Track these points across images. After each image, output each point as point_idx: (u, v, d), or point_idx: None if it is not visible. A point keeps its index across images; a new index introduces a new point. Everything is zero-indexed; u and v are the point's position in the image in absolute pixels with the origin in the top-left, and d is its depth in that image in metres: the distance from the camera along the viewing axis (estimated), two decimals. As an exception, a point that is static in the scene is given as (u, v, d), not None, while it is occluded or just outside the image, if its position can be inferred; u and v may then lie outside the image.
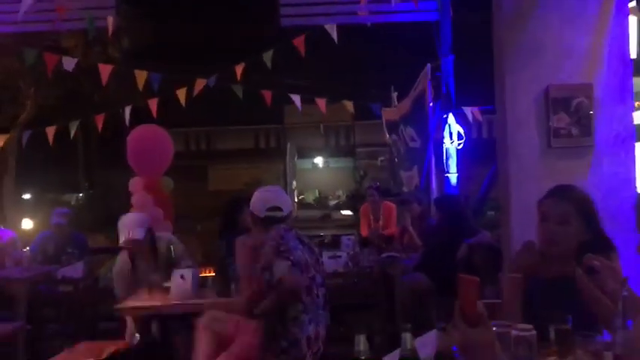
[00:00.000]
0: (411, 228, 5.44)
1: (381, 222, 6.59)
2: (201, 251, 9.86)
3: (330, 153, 29.12)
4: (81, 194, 25.52)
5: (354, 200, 26.89)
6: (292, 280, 2.84)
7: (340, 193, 27.89)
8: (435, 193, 6.31)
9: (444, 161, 6.15)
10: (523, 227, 4.21)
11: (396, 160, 8.57)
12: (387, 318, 4.61)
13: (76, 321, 5.13)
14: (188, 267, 3.95)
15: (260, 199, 3.27)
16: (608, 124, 4.23)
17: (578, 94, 4.21)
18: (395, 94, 8.51)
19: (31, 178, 21.98)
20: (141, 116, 7.67)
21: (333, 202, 27.45)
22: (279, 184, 27.50)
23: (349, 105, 7.73)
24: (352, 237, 5.57)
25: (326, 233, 10.12)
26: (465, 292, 1.60)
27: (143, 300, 3.54)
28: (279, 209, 3.19)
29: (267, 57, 6.48)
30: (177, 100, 7.14)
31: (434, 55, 6.47)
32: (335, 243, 5.91)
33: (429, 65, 6.39)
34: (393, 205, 6.63)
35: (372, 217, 6.72)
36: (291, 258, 2.89)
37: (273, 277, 2.83)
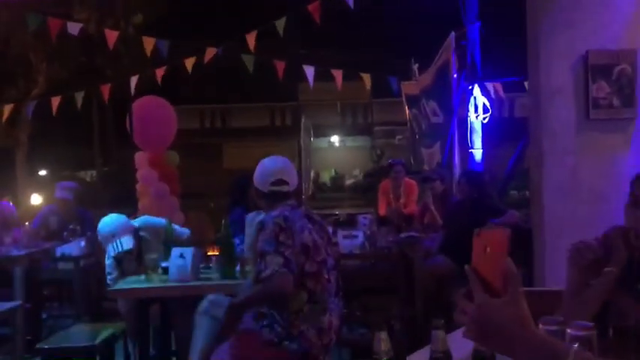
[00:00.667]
0: (432, 207, 5.08)
1: (402, 200, 6.24)
2: (213, 229, 9.60)
3: (346, 131, 28.69)
4: (95, 171, 25.42)
5: (371, 179, 26.56)
6: (279, 282, 2.43)
7: (357, 172, 27.52)
8: (457, 170, 5.94)
9: (468, 136, 5.77)
10: (557, 207, 3.87)
11: (417, 136, 8.19)
12: (406, 302, 4.28)
13: (77, 301, 4.87)
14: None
15: (263, 171, 2.89)
16: (653, 93, 3.85)
17: (621, 61, 3.82)
18: (416, 66, 8.09)
19: (47, 154, 21.89)
20: (153, 90, 7.37)
21: (349, 182, 27.11)
22: (294, 163, 27.32)
23: (367, 79, 7.35)
24: (369, 216, 5.22)
25: (341, 212, 9.80)
26: (488, 250, 1.13)
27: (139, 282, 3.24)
28: (285, 182, 2.81)
29: (280, 25, 6.11)
30: (188, 73, 6.80)
31: (458, 22, 6.05)
32: (351, 222, 5.57)
33: (453, 34, 5.99)
34: (415, 183, 6.26)
35: (392, 195, 6.36)
36: (287, 254, 2.47)
37: (263, 269, 2.48)
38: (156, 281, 3.18)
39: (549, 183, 3.88)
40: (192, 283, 3.12)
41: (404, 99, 8.82)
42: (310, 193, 9.45)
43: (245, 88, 24.36)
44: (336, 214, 5.69)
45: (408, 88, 8.38)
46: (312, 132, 25.29)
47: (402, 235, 4.74)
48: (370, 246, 4.36)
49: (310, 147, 27.90)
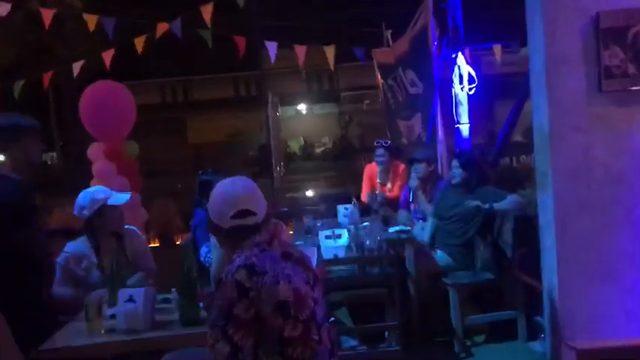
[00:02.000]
0: (420, 192, 4.57)
1: (388, 186, 5.69)
2: (180, 216, 9.05)
3: (313, 99, 28.04)
4: (55, 153, 24.42)
5: (341, 147, 26.04)
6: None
7: (326, 140, 27.01)
8: (442, 148, 5.44)
9: (454, 110, 5.25)
10: (567, 191, 3.39)
11: (392, 107, 7.64)
12: (401, 309, 3.81)
13: None
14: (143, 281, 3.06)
15: (221, 200, 2.13)
16: (674, 58, 3.36)
17: (637, 22, 3.33)
18: (388, 33, 7.49)
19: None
20: (106, 69, 6.69)
21: (319, 150, 26.60)
22: (262, 134, 26.51)
23: (330, 53, 6.77)
24: (350, 206, 4.70)
25: (315, 192, 9.30)
26: None
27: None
28: (251, 213, 2.08)
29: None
30: (142, 49, 6.12)
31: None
32: (330, 211, 5.06)
33: (430, -5, 5.41)
34: (404, 165, 5.70)
35: (378, 181, 5.80)
36: (236, 339, 1.80)
37: (228, 327, 1.86)
38: (99, 334, 2.51)
39: (558, 164, 3.40)
40: (146, 335, 2.42)
41: (376, 68, 8.25)
42: (282, 172, 8.86)
43: (206, 59, 23.44)
44: (315, 207, 5.11)
45: (381, 56, 7.80)
46: (278, 101, 24.55)
47: (391, 230, 4.23)
48: (357, 247, 3.84)
49: (277, 117, 27.26)
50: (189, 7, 5.74)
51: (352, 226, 4.17)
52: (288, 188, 8.35)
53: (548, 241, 3.49)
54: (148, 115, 25.28)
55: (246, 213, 2.06)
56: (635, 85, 3.34)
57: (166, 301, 2.75)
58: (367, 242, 3.73)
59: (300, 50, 6.24)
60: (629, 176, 3.40)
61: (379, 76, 8.31)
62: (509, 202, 3.98)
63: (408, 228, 4.29)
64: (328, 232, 3.97)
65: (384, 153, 5.72)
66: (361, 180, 6.23)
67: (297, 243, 3.83)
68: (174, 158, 23.52)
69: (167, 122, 25.90)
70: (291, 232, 4.83)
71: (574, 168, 3.39)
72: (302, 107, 28.42)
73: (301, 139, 26.65)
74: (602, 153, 3.39)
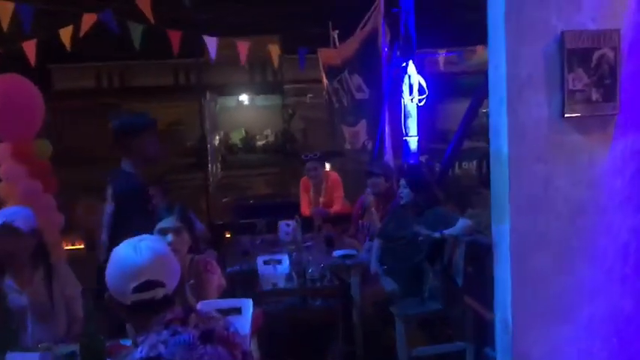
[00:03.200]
0: (373, 208, 4.27)
1: (322, 198, 5.39)
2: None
3: (256, 90, 27.49)
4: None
5: (283, 140, 25.62)
6: None
7: (268, 132, 26.57)
8: (390, 161, 5.16)
9: (402, 121, 4.98)
10: (525, 223, 3.15)
11: (337, 111, 7.35)
12: (345, 340, 3.51)
13: None
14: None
15: (119, 270, 1.70)
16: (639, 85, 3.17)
17: (602, 44, 3.11)
18: (335, 33, 7.17)
19: None
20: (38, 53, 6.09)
21: (260, 143, 26.16)
22: (198, 123, 25.76)
23: (274, 50, 6.42)
24: (292, 222, 4.38)
25: (255, 196, 8.90)
26: None
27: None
28: (158, 284, 1.67)
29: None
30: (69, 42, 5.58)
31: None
32: (270, 227, 4.71)
33: (381, -2, 5.10)
34: (337, 176, 5.41)
35: (312, 193, 5.50)
36: None
37: None
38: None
39: (516, 196, 3.16)
40: None
41: (321, 68, 7.95)
42: (218, 169, 8.33)
43: (145, 44, 22.57)
44: (253, 224, 4.72)
45: (327, 56, 7.50)
46: (216, 92, 23.86)
47: (336, 253, 3.92)
48: (298, 275, 3.51)
49: (217, 107, 26.59)
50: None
51: (293, 247, 3.84)
52: (225, 188, 7.93)
53: (503, 274, 3.25)
54: (82, 100, 24.26)
55: (150, 285, 1.63)
56: (598, 112, 3.13)
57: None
58: (310, 270, 3.41)
59: (242, 46, 5.84)
60: (590, 207, 3.20)
61: (324, 77, 8.01)
62: (461, 227, 3.74)
63: (354, 252, 3.99)
64: (266, 258, 3.62)
65: (316, 166, 5.45)
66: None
67: (231, 270, 3.47)
68: (107, 146, 22.58)
69: (102, 108, 24.86)
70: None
71: (533, 199, 3.17)
72: (244, 98, 27.84)
73: (243, 130, 26.11)
74: (563, 183, 3.17)
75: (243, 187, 10.29)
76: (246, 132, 26.78)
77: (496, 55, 3.21)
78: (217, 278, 2.70)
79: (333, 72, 7.32)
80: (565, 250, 3.19)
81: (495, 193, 3.30)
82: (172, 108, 26.70)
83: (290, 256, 3.66)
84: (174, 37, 5.46)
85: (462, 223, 3.71)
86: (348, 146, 6.82)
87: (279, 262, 3.58)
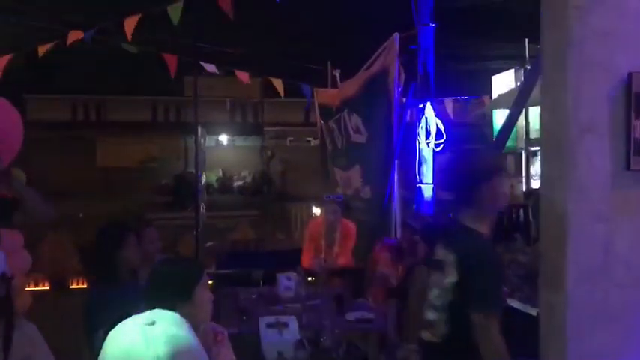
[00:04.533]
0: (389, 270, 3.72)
1: (336, 248, 4.78)
2: (78, 253, 7.89)
3: (235, 130, 27.12)
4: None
5: (261, 182, 25.11)
6: None
7: (246, 173, 26.05)
8: (397, 213, 4.69)
9: (416, 168, 4.54)
10: (582, 292, 2.70)
11: (330, 152, 6.91)
12: None
13: None
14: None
15: None
16: None
17: (673, 89, 2.73)
18: (337, 72, 6.79)
19: None
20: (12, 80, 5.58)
21: (237, 184, 25.60)
22: (179, 163, 25.18)
23: (278, 84, 6.00)
24: (293, 276, 3.84)
25: (235, 237, 8.32)
26: None
27: None
28: None
29: (176, 12, 4.57)
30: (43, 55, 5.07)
31: (402, 22, 4.80)
32: (267, 279, 4.16)
33: (396, 35, 4.71)
34: (354, 226, 4.84)
35: (324, 241, 4.86)
36: None
37: None
38: None
39: (576, 261, 2.69)
40: None
41: (316, 107, 7.55)
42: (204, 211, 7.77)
43: (124, 79, 22.09)
44: (248, 274, 4.14)
45: (324, 96, 7.10)
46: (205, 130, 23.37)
47: (349, 316, 3.38)
48: (309, 343, 2.96)
49: (204, 146, 26.06)
50: (111, 19, 4.77)
51: (298, 305, 3.31)
52: (205, 231, 7.39)
53: (555, 356, 2.75)
54: (55, 132, 23.55)
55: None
56: (668, 167, 2.71)
57: None
58: (323, 338, 2.88)
59: (243, 75, 5.41)
60: (655, 277, 2.74)
61: (318, 117, 7.61)
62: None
63: (371, 315, 3.46)
64: (271, 320, 3.08)
65: (336, 209, 4.83)
66: (287, 223, 5.38)
67: (227, 332, 2.90)
68: (79, 181, 21.81)
69: (76, 141, 24.20)
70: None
71: (592, 266, 2.70)
72: (223, 138, 27.43)
73: (220, 171, 25.55)
74: (625, 247, 2.72)
75: (224, 231, 9.73)
76: (223, 172, 26.23)
77: (552, 97, 2.80)
78: (228, 351, 2.18)
79: (329, 112, 6.92)
80: (623, 327, 2.73)
81: (549, 256, 2.83)
82: (148, 145, 26.12)
83: (298, 319, 3.12)
84: (171, 60, 5.01)
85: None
86: (339, 191, 6.36)
87: (286, 325, 3.03)
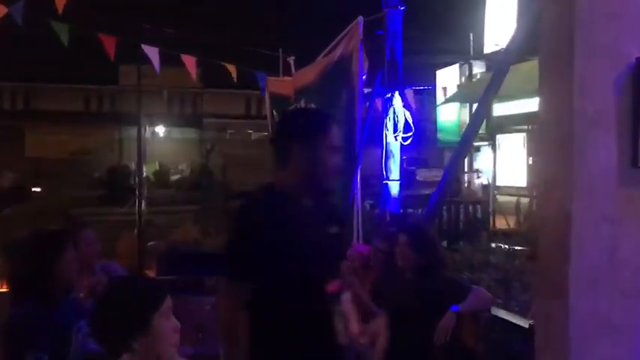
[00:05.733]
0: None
1: None
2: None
3: (173, 122, 26.30)
4: None
5: (199, 176, 24.38)
6: None
7: (184, 167, 25.29)
8: (358, 212, 4.34)
9: (383, 162, 4.21)
10: (586, 302, 2.43)
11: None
12: None
13: None
14: None
15: None
16: None
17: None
18: (292, 59, 6.37)
19: None
20: None
21: (174, 177, 24.81)
22: (113, 155, 24.20)
23: (232, 69, 5.57)
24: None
25: (177, 236, 7.77)
26: None
27: None
28: None
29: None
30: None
31: (368, 4, 4.46)
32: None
33: (361, 18, 4.36)
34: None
35: None
36: None
37: None
38: None
39: (579, 266, 2.41)
40: None
41: (267, 98, 7.14)
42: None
43: (55, 66, 20.95)
44: (198, 278, 3.66)
45: (275, 85, 6.71)
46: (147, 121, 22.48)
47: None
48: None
49: (130, 137, 25.12)
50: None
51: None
52: (146, 228, 6.86)
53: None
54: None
55: None
56: (678, 163, 2.46)
57: None
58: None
59: (190, 61, 4.93)
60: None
61: (269, 108, 7.21)
62: (476, 298, 2.95)
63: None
64: None
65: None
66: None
67: (183, 352, 2.49)
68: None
69: (2, 130, 22.88)
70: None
71: (597, 272, 2.43)
72: (160, 129, 26.54)
73: (157, 163, 24.68)
74: (631, 252, 2.47)
75: (163, 227, 9.16)
76: (160, 165, 25.35)
77: (555, 86, 2.51)
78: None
79: (282, 102, 6.51)
80: (629, 339, 2.48)
81: (547, 261, 2.55)
82: (81, 136, 24.98)
83: None
84: (108, 42, 4.47)
85: (477, 293, 2.94)
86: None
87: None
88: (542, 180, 2.60)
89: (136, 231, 5.55)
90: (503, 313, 3.12)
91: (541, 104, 2.61)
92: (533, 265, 3.98)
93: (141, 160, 6.05)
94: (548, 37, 2.55)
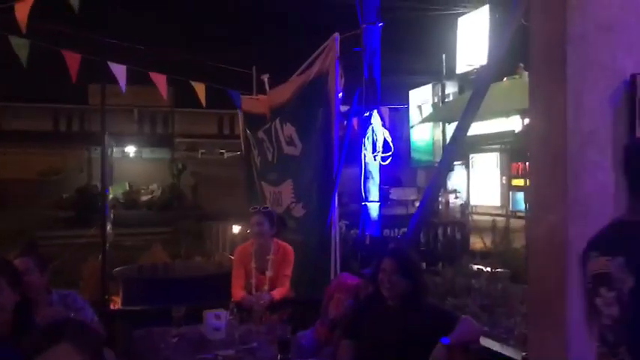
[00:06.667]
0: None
1: (269, 273, 4.07)
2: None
3: (144, 141, 25.87)
4: None
5: (170, 196, 23.92)
6: None
7: (154, 187, 24.78)
8: (335, 237, 4.14)
9: (362, 183, 4.04)
10: (588, 334, 2.28)
11: (259, 166, 6.31)
12: None
13: None
14: None
15: None
16: None
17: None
18: (266, 77, 6.19)
19: None
20: None
21: (145, 198, 24.27)
22: (82, 176, 23.68)
23: (200, 89, 5.37)
24: (223, 314, 3.21)
25: (146, 260, 7.49)
26: None
27: None
28: None
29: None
30: None
31: (344, 21, 4.32)
32: (194, 316, 3.46)
33: (337, 35, 4.22)
34: (292, 250, 4.18)
35: (254, 266, 4.15)
36: None
37: None
38: None
39: (576, 295, 2.25)
40: None
41: (240, 117, 6.96)
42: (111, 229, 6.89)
43: (24, 84, 20.47)
44: (166, 310, 3.40)
45: (250, 104, 6.52)
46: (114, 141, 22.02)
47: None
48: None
49: (99, 157, 24.61)
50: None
51: (232, 353, 2.69)
52: (113, 252, 6.58)
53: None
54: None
55: None
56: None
57: None
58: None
59: (160, 80, 4.70)
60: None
61: (242, 126, 7.03)
62: (466, 327, 2.76)
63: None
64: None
65: (262, 221, 4.12)
66: (203, 243, 4.66)
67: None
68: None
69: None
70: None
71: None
72: (130, 149, 26.07)
73: (126, 184, 24.16)
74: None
75: (131, 250, 8.80)
76: (130, 186, 24.81)
77: (548, 102, 2.37)
78: None
79: (256, 121, 6.32)
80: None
81: (541, 291, 2.38)
82: (50, 156, 24.41)
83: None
84: (72, 60, 4.21)
85: (467, 324, 2.77)
86: (268, 206, 5.77)
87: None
88: (533, 201, 2.45)
89: (101, 256, 5.27)
90: (495, 345, 2.94)
91: (532, 120, 2.47)
92: (523, 288, 3.84)
93: (105, 180, 5.77)
94: (539, 53, 2.42)
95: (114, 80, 4.90)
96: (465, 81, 16.82)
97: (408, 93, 18.36)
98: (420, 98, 18.19)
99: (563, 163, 2.28)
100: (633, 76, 2.31)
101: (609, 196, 2.29)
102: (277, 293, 3.93)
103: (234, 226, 8.54)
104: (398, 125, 17.07)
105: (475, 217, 14.54)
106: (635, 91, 2.31)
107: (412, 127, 17.33)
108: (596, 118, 2.29)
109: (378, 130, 4.23)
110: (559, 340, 2.29)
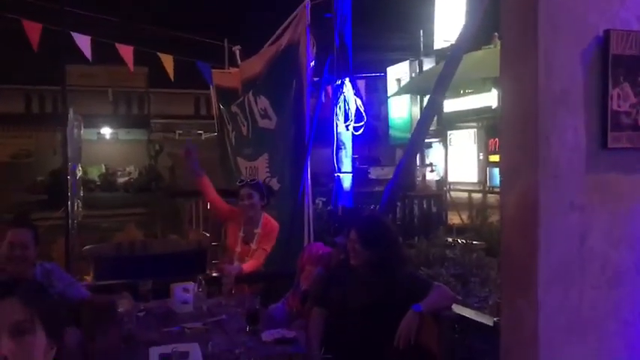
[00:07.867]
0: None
1: (253, 245, 4.03)
2: None
3: (119, 123, 25.51)
4: None
5: (147, 178, 23.67)
6: None
7: (131, 169, 24.53)
8: (309, 207, 4.09)
9: (334, 154, 3.97)
10: (554, 295, 2.24)
11: (234, 142, 6.21)
12: None
13: None
14: None
15: None
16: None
17: (654, 52, 2.33)
18: (237, 49, 6.06)
19: None
20: None
21: (122, 180, 24.03)
22: (55, 158, 23.32)
23: (168, 61, 5.24)
24: (191, 286, 3.14)
25: (119, 239, 7.38)
26: None
27: None
28: None
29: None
30: None
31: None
32: (161, 292, 3.38)
33: (307, 2, 4.11)
34: (276, 224, 4.12)
35: (241, 235, 4.09)
36: None
37: None
38: None
39: (545, 257, 2.22)
40: None
41: (213, 92, 6.83)
42: (80, 209, 6.80)
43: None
44: (134, 283, 3.32)
45: (222, 78, 6.40)
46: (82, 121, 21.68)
47: (265, 335, 2.71)
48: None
49: (81, 139, 24.25)
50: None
51: (201, 326, 2.63)
52: (84, 232, 6.47)
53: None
54: None
55: None
56: (647, 145, 2.30)
57: None
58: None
59: (126, 51, 4.56)
60: (631, 276, 2.33)
61: (215, 102, 6.90)
62: (438, 294, 2.72)
63: (291, 333, 2.82)
64: (166, 350, 2.37)
65: (252, 193, 4.08)
66: (179, 222, 4.59)
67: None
68: None
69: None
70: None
71: (566, 265, 2.25)
72: (106, 131, 25.70)
73: (102, 166, 23.87)
74: (600, 241, 2.29)
75: (107, 231, 8.70)
76: (107, 168, 24.51)
77: (518, 63, 2.30)
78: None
79: (229, 96, 6.20)
80: (598, 337, 2.30)
81: (513, 254, 2.34)
82: (22, 138, 23.98)
83: (202, 345, 2.42)
84: (32, 30, 4.05)
85: (440, 291, 2.72)
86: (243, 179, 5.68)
87: (186, 356, 2.32)
88: (504, 166, 2.40)
89: (66, 236, 5.14)
90: (465, 311, 2.91)
91: (503, 84, 2.41)
92: (497, 259, 3.81)
93: (67, 161, 5.62)
94: (509, 11, 2.35)
95: (80, 53, 4.76)
96: (442, 57, 16.75)
97: (385, 70, 18.29)
98: (398, 75, 18.13)
99: (534, 124, 2.22)
100: (607, 32, 2.25)
101: (581, 157, 2.25)
102: (248, 266, 3.88)
103: (208, 204, 8.43)
104: (375, 103, 17.03)
105: (453, 193, 14.60)
106: (607, 47, 2.26)
107: (389, 97, 17.28)
108: (568, 77, 2.24)
109: (350, 99, 4.15)
110: (530, 302, 2.25)
